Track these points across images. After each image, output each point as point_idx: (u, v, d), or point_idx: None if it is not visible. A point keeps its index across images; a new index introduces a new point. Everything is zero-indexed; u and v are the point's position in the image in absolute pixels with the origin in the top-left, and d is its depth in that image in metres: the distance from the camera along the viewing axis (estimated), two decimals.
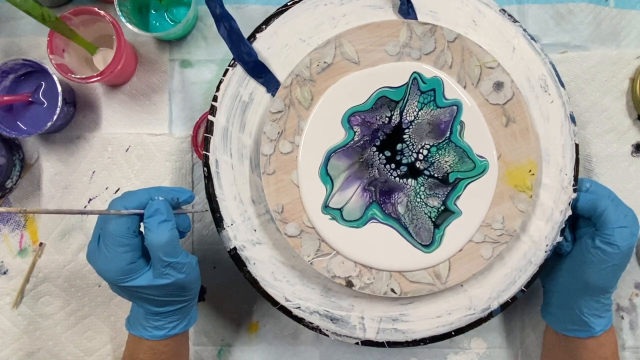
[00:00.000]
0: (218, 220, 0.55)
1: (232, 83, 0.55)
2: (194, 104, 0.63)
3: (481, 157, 0.54)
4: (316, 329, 0.55)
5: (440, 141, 0.54)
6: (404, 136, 0.54)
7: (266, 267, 0.55)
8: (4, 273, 0.62)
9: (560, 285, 0.55)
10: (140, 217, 0.47)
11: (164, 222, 0.47)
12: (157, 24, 0.63)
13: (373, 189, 0.54)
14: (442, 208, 0.54)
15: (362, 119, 0.54)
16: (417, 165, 0.54)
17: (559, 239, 0.55)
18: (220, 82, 0.55)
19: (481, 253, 0.54)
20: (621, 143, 0.63)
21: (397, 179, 0.54)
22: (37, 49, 0.63)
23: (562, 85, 0.56)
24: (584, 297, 0.52)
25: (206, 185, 0.55)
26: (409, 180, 0.54)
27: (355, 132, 0.54)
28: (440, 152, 0.54)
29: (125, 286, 0.47)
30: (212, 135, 0.55)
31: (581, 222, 0.55)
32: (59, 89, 0.57)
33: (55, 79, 0.57)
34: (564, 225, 0.55)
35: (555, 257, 0.56)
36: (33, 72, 0.60)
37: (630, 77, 0.63)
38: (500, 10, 0.56)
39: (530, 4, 0.63)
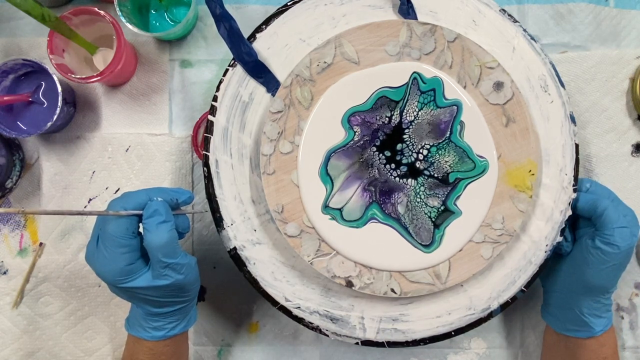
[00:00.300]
0: (218, 220, 0.55)
1: (232, 83, 0.55)
2: (194, 104, 0.63)
3: (481, 157, 0.54)
4: (316, 329, 0.55)
5: (440, 141, 0.54)
6: (404, 136, 0.54)
7: (266, 267, 0.55)
8: (4, 273, 0.62)
9: (560, 285, 0.55)
10: (139, 217, 0.47)
11: (163, 222, 0.46)
12: (157, 24, 0.63)
13: (373, 189, 0.54)
14: (442, 208, 0.54)
15: (362, 119, 0.54)
16: (417, 165, 0.54)
17: (559, 239, 0.55)
18: (220, 82, 0.55)
19: (481, 253, 0.54)
20: (621, 143, 0.63)
21: (397, 179, 0.54)
22: (37, 49, 0.63)
23: (562, 85, 0.56)
24: (584, 297, 0.52)
25: (206, 185, 0.55)
26: (409, 180, 0.54)
27: (355, 132, 0.54)
28: (440, 152, 0.54)
29: (124, 287, 0.47)
30: (212, 135, 0.55)
31: (581, 222, 0.55)
32: (59, 89, 0.57)
33: (55, 79, 0.57)
34: (564, 225, 0.55)
35: (555, 257, 0.56)
36: (33, 72, 0.60)
37: (630, 77, 0.63)
38: (500, 10, 0.56)
39: (530, 4, 0.63)
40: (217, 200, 0.54)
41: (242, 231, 0.55)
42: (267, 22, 0.56)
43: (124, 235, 0.46)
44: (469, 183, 0.54)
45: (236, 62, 0.55)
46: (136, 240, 0.47)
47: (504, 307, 0.55)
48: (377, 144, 0.54)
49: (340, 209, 0.54)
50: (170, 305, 0.50)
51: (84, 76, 0.56)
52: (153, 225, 0.46)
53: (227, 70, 0.55)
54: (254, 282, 0.55)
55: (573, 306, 0.53)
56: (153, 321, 0.50)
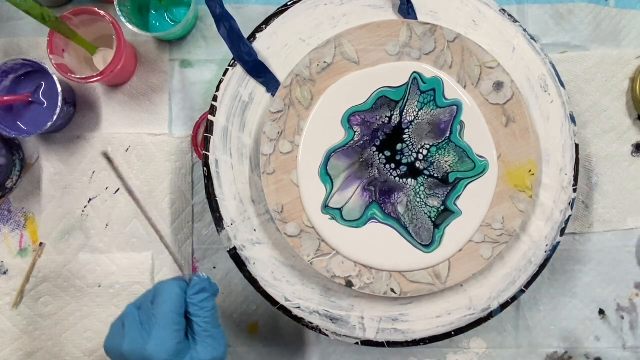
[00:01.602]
0: (218, 220, 0.55)
1: (232, 83, 0.55)
2: (194, 104, 0.63)
3: (481, 157, 0.54)
4: (316, 328, 0.55)
5: (440, 141, 0.54)
6: (404, 136, 0.54)
7: (266, 267, 0.55)
8: (4, 273, 0.62)
9: None
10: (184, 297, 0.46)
11: (206, 292, 0.46)
12: (157, 24, 0.63)
13: (373, 189, 0.54)
14: (442, 208, 0.54)
15: (362, 119, 0.54)
16: (417, 165, 0.54)
17: (559, 239, 0.55)
18: (220, 82, 0.55)
19: (481, 253, 0.54)
20: (621, 143, 0.63)
21: (397, 178, 0.54)
22: (37, 49, 0.63)
23: (562, 85, 0.56)
24: None
25: (206, 185, 0.55)
26: (409, 180, 0.54)
27: (355, 132, 0.54)
28: (440, 152, 0.54)
29: None
30: (212, 135, 0.55)
31: None
32: (59, 89, 0.57)
33: (55, 79, 0.57)
34: (564, 226, 0.55)
35: None
36: (33, 72, 0.60)
37: (630, 77, 0.63)
38: (500, 10, 0.57)
39: (530, 4, 0.63)
40: (217, 200, 0.54)
41: (242, 231, 0.55)
42: (267, 22, 0.56)
43: (178, 312, 0.45)
44: (469, 183, 0.54)
45: (236, 62, 0.55)
46: (183, 319, 0.46)
47: (504, 307, 0.55)
48: (377, 143, 0.54)
49: (340, 209, 0.54)
50: None
51: (84, 76, 0.56)
52: (198, 299, 0.45)
53: (227, 70, 0.55)
54: (253, 282, 0.55)
55: None
56: None
